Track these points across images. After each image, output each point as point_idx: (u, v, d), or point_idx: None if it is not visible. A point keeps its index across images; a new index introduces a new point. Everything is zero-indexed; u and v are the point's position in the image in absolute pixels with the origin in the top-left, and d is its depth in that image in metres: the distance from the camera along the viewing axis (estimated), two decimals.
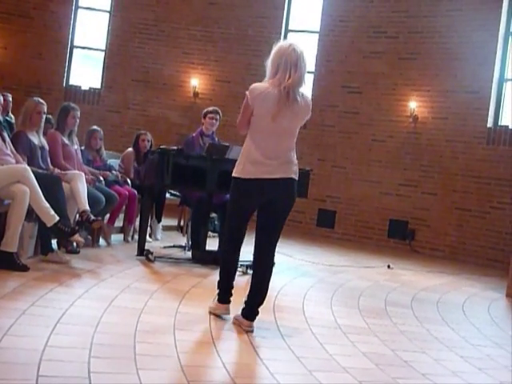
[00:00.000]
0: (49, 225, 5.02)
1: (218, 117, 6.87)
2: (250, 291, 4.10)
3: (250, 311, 4.02)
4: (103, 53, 11.53)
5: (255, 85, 3.95)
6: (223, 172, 5.90)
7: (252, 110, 3.92)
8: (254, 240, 4.14)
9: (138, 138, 7.62)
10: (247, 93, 3.91)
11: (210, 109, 6.96)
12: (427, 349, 4.11)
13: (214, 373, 3.17)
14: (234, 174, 4.03)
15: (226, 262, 4.26)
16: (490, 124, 9.65)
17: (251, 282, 4.10)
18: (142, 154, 7.35)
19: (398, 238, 10.13)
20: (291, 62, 3.88)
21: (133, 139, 7.73)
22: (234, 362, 3.36)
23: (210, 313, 4.24)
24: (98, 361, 3.02)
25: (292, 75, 3.87)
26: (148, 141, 7.58)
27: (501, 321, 5.45)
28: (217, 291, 4.26)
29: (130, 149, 7.63)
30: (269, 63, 3.96)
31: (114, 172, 7.01)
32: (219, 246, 6.55)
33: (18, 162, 5.29)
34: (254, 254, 4.17)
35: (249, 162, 3.95)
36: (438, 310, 5.51)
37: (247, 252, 6.46)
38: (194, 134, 6.92)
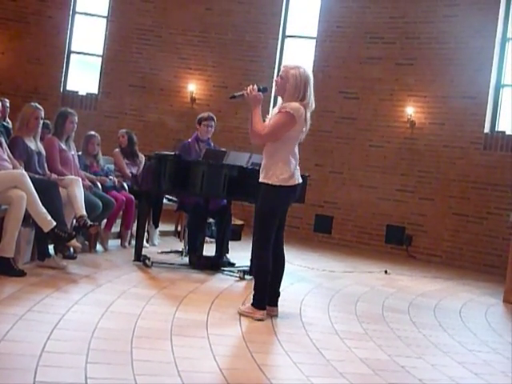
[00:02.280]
0: (46, 230, 5.02)
1: (212, 123, 6.86)
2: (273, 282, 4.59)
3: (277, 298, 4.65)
4: (100, 58, 11.52)
5: (297, 106, 4.40)
6: (220, 177, 5.91)
7: (293, 126, 4.41)
8: (251, 245, 4.65)
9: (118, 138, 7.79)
10: (291, 112, 4.37)
11: (205, 115, 6.93)
12: (424, 354, 4.11)
13: (211, 378, 3.16)
14: (274, 183, 4.43)
15: (266, 269, 4.53)
16: (486, 129, 9.67)
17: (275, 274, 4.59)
18: (126, 150, 7.60)
19: (395, 243, 10.13)
20: (312, 88, 4.51)
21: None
22: (231, 367, 3.35)
23: (243, 316, 4.44)
24: (95, 366, 3.02)
25: (313, 100, 4.54)
26: (123, 136, 7.71)
27: (498, 326, 5.45)
28: (249, 297, 4.68)
29: (117, 149, 7.69)
30: (294, 85, 4.42)
31: (111, 178, 7.02)
32: (216, 252, 6.56)
33: (14, 167, 5.29)
34: (274, 250, 4.54)
35: (290, 170, 4.47)
36: (435, 315, 5.50)
37: (244, 258, 6.49)
38: (189, 140, 6.92)
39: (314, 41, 10.87)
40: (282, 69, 4.60)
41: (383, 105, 10.36)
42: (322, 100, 10.44)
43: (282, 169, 4.44)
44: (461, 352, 4.33)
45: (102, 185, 6.69)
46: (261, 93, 4.53)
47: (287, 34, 11.13)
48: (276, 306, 4.65)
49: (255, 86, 4.51)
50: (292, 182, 4.48)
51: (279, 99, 4.70)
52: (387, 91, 10.34)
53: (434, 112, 10.06)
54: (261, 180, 4.51)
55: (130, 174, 7.42)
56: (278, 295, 4.70)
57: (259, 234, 4.53)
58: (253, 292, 4.57)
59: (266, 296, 4.53)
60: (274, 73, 10.32)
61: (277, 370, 3.43)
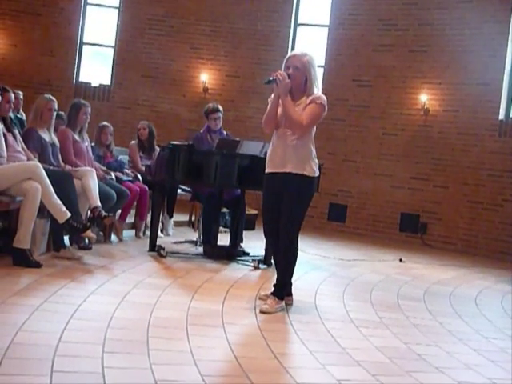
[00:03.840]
0: (61, 221, 5.04)
1: (219, 114, 6.83)
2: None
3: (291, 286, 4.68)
4: (112, 49, 11.54)
5: (324, 97, 4.45)
6: (234, 167, 5.91)
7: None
8: (266, 234, 4.63)
9: (138, 130, 7.71)
10: (325, 105, 4.42)
11: (210, 107, 6.88)
12: (440, 342, 4.10)
13: (227, 367, 3.17)
14: (310, 175, 4.43)
15: (296, 257, 4.55)
16: (501, 116, 9.59)
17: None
18: (145, 142, 7.59)
19: (410, 231, 10.10)
20: None
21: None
22: (246, 356, 3.36)
23: (268, 313, 4.29)
24: (112, 356, 3.03)
25: None
26: (144, 128, 7.65)
27: None
28: (272, 289, 4.52)
29: (133, 141, 7.70)
30: (312, 72, 4.42)
31: (126, 171, 7.02)
32: (230, 241, 6.56)
33: (29, 158, 5.31)
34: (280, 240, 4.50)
35: (316, 161, 4.51)
36: (451, 303, 5.48)
37: (258, 247, 6.49)
38: (201, 131, 6.92)
39: (327, 29, 10.82)
40: (291, 60, 4.43)
41: (396, 92, 10.30)
42: (335, 88, 10.43)
43: (314, 160, 4.48)
44: (477, 339, 4.31)
45: (117, 178, 6.71)
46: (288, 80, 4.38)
47: (299, 22, 11.08)
48: (291, 294, 4.65)
49: (284, 73, 4.34)
50: (318, 172, 4.56)
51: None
52: (400, 78, 10.27)
53: (447, 99, 9.98)
54: (295, 171, 4.38)
55: (144, 168, 7.44)
56: (291, 284, 4.69)
57: (295, 225, 4.44)
58: (277, 284, 4.47)
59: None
60: None
61: (292, 358, 3.43)
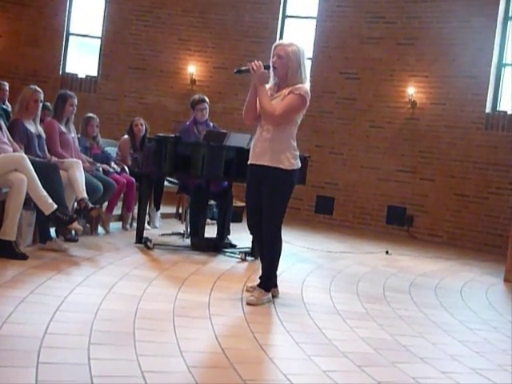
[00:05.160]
0: (47, 213, 5.02)
1: (205, 105, 6.80)
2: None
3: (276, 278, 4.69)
4: (99, 40, 11.46)
5: (307, 88, 4.35)
6: (221, 159, 5.90)
7: (303, 110, 4.40)
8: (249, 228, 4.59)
9: (132, 124, 7.66)
10: (305, 96, 4.31)
11: (196, 98, 6.85)
12: (425, 333, 4.13)
13: (214, 358, 3.18)
14: (287, 168, 4.34)
15: (281, 249, 4.54)
16: (488, 109, 9.63)
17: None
18: (138, 139, 7.42)
19: (397, 224, 10.14)
20: None
21: (128, 127, 7.75)
22: (233, 347, 3.37)
23: (255, 304, 4.29)
24: (98, 347, 3.03)
25: None
26: (142, 125, 7.60)
27: (498, 305, 5.46)
28: (257, 280, 4.54)
29: (126, 136, 7.65)
30: (296, 62, 4.31)
31: (113, 166, 6.97)
32: (218, 233, 6.57)
33: (15, 150, 5.28)
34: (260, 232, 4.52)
35: (296, 153, 4.43)
36: (436, 295, 5.52)
37: (245, 239, 6.50)
38: (187, 122, 6.90)
39: (315, 21, 10.79)
40: (276, 48, 4.38)
41: (384, 85, 10.31)
42: (323, 81, 10.44)
43: (293, 152, 4.39)
44: (461, 330, 4.35)
45: (103, 171, 6.67)
46: (266, 70, 4.37)
47: (287, 14, 11.05)
48: (276, 286, 4.65)
49: (260, 63, 4.32)
50: (298, 164, 4.47)
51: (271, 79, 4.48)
52: (388, 71, 10.28)
53: (435, 92, 10.01)
54: (270, 164, 4.34)
55: (131, 162, 7.41)
56: (276, 276, 4.67)
57: (276, 218, 4.41)
58: (263, 276, 4.48)
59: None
60: None
61: (279, 349, 3.45)
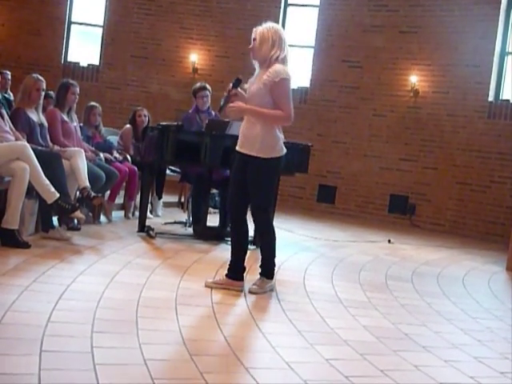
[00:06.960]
0: (49, 202, 5.02)
1: (207, 93, 6.81)
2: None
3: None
4: (101, 29, 11.43)
5: (283, 68, 4.17)
6: (223, 148, 5.90)
7: None
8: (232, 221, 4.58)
9: (135, 114, 7.63)
10: (287, 77, 4.16)
11: (197, 86, 6.87)
12: (427, 322, 4.14)
13: (216, 346, 3.19)
14: (272, 156, 4.23)
15: (274, 234, 4.45)
16: (491, 98, 9.60)
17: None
18: (140, 129, 7.39)
19: (399, 212, 10.14)
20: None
21: (130, 116, 7.73)
22: (235, 335, 3.38)
23: (257, 293, 4.28)
24: (101, 336, 3.04)
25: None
26: (145, 116, 7.57)
27: (501, 294, 5.48)
28: (252, 266, 4.57)
29: (128, 125, 7.62)
30: (275, 42, 4.16)
31: (115, 155, 6.95)
32: (220, 222, 6.57)
33: (17, 139, 5.28)
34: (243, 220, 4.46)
35: (280, 140, 4.28)
36: (439, 283, 5.53)
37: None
38: (190, 111, 6.89)
39: (317, 9, 10.74)
40: (253, 32, 4.28)
41: (387, 73, 10.28)
42: (325, 69, 10.42)
43: (272, 140, 4.25)
44: (464, 319, 4.36)
45: (105, 159, 6.67)
46: (236, 88, 4.30)
47: (289, 2, 11.00)
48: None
49: (230, 85, 4.29)
50: (283, 152, 4.32)
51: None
52: (391, 60, 10.25)
53: (437, 80, 9.98)
54: (249, 153, 4.25)
55: (133, 151, 7.40)
56: (275, 264, 4.53)
57: (263, 206, 4.36)
58: (262, 264, 4.45)
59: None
60: None
61: (281, 337, 3.45)
